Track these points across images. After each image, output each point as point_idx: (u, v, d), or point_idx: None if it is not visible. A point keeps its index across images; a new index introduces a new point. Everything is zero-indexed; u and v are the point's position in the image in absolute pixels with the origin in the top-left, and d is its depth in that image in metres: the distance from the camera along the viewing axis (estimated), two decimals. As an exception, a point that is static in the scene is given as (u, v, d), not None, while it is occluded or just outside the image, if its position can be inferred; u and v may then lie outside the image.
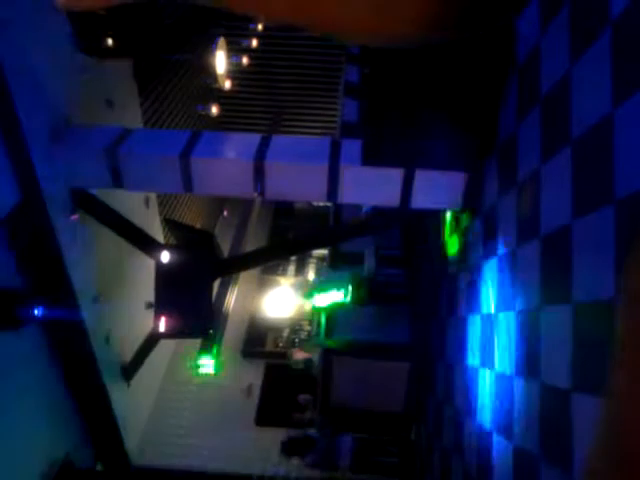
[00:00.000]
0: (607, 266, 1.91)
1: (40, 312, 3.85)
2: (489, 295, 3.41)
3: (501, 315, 3.15)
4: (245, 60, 6.33)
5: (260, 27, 6.89)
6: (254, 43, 6.92)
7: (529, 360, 2.68)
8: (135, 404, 5.93)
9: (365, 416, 5.75)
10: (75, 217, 4.22)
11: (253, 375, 7.41)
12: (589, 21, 2.20)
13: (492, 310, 3.32)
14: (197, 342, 5.39)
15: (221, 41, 5.21)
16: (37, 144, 3.68)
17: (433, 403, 4.86)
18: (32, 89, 3.64)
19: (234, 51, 5.94)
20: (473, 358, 3.66)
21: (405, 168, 3.62)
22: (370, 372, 5.35)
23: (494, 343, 3.25)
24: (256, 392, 7.21)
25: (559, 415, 2.29)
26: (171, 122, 6.50)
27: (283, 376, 7.18)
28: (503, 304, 3.14)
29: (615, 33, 1.98)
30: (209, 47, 5.17)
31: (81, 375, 4.75)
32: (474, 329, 3.69)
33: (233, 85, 6.30)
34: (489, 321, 3.37)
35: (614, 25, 1.98)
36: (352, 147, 3.74)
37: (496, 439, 3.10)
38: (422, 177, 3.64)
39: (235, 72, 6.53)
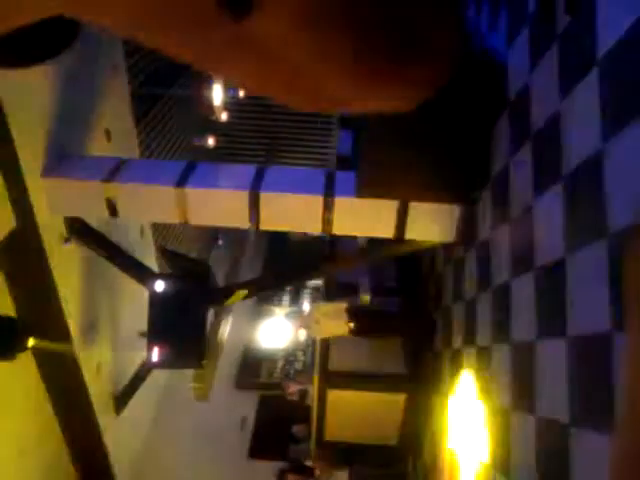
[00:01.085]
0: (602, 299, 1.92)
1: (32, 341, 3.81)
2: (483, 328, 3.40)
3: (496, 347, 3.14)
4: (242, 93, 6.42)
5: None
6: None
7: (524, 393, 2.66)
8: (126, 436, 5.83)
9: (360, 448, 5.66)
10: (69, 246, 4.22)
11: (247, 407, 7.30)
12: (577, 59, 2.25)
13: (487, 343, 3.31)
14: (190, 373, 5.32)
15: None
16: (33, 173, 3.70)
17: (429, 435, 4.79)
18: (29, 120, 3.68)
19: (231, 84, 6.03)
20: (469, 391, 3.63)
21: (399, 200, 3.65)
22: (365, 404, 5.29)
23: (489, 376, 3.23)
24: (250, 424, 7.10)
25: (557, 450, 2.26)
26: (167, 153, 6.55)
27: (277, 407, 7.08)
28: (498, 337, 3.13)
29: (602, 71, 2.03)
30: (206, 80, 5.24)
31: (71, 405, 4.68)
32: (469, 361, 3.67)
33: (230, 117, 6.37)
34: (484, 354, 3.35)
35: (601, 64, 2.03)
36: (347, 179, 3.77)
37: (493, 473, 3.05)
38: (416, 209, 3.67)
39: (232, 104, 6.62)
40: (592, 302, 2.02)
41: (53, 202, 3.91)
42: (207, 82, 5.33)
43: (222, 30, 0.34)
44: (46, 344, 4.09)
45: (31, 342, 3.82)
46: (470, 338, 3.68)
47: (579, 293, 2.17)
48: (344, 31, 0.33)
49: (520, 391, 2.74)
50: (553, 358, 2.34)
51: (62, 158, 4.02)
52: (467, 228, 3.70)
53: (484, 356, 3.34)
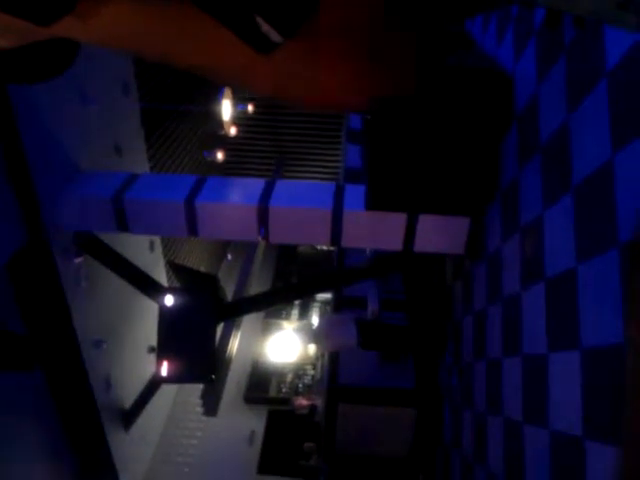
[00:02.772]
0: (614, 310, 1.91)
1: (43, 355, 3.83)
2: (494, 340, 3.38)
3: (507, 360, 3.12)
4: (250, 108, 6.48)
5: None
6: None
7: (537, 406, 2.64)
8: (135, 451, 5.81)
9: (371, 464, 5.61)
10: (79, 260, 4.25)
11: (256, 421, 7.26)
12: (586, 71, 2.26)
13: (498, 355, 3.28)
14: (199, 387, 5.32)
15: (227, 90, 5.35)
16: (45, 188, 3.75)
17: (441, 449, 4.74)
18: (42, 136, 3.73)
19: (239, 99, 6.10)
20: (480, 404, 3.60)
21: (408, 213, 3.65)
22: (375, 418, 5.25)
23: (500, 388, 3.20)
24: (259, 439, 7.05)
25: (570, 464, 2.23)
26: (177, 167, 6.61)
27: (286, 423, 7.03)
28: (509, 349, 3.11)
29: (611, 83, 2.03)
30: (215, 96, 5.30)
31: (80, 420, 4.68)
32: (480, 374, 3.64)
33: (238, 131, 6.43)
34: (495, 366, 3.33)
35: (610, 75, 2.04)
36: (355, 192, 3.78)
37: (505, 490, 3.02)
38: (425, 222, 3.67)
39: (241, 119, 6.68)
40: (604, 313, 2.01)
41: (64, 217, 3.94)
42: (216, 98, 5.38)
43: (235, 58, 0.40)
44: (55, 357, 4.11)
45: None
46: (480, 351, 3.65)
47: (591, 304, 2.16)
48: (349, 58, 0.41)
49: (532, 404, 2.71)
50: (566, 371, 2.32)
51: (73, 173, 4.06)
52: (476, 240, 3.70)
53: (495, 369, 3.32)
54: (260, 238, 3.93)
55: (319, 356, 7.77)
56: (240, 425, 7.09)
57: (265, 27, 0.35)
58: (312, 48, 0.39)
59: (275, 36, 0.36)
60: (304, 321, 9.01)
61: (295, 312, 9.25)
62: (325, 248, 8.94)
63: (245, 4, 0.35)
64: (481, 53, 3.76)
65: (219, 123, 5.49)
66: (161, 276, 6.22)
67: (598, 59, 2.12)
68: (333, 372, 5.32)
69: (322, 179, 8.63)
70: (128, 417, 5.25)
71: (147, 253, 5.82)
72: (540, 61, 2.79)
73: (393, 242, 3.79)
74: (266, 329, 8.67)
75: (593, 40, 2.16)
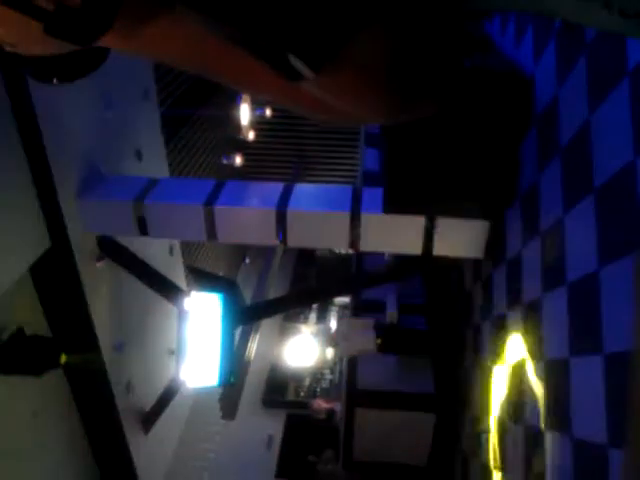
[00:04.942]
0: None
1: (63, 359, 3.88)
2: (515, 345, 3.33)
3: (528, 365, 3.07)
4: (268, 112, 6.51)
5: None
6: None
7: (559, 412, 2.59)
8: (155, 454, 5.84)
9: (389, 471, 5.57)
10: (100, 264, 4.30)
11: (273, 425, 7.26)
12: (607, 70, 2.23)
13: (518, 360, 3.24)
14: (217, 391, 5.34)
15: (245, 95, 5.38)
16: (66, 193, 3.80)
17: (459, 456, 4.69)
18: (64, 139, 3.79)
19: (258, 104, 6.12)
20: (500, 410, 3.56)
21: (426, 216, 3.63)
22: (394, 424, 5.21)
23: (522, 394, 3.16)
24: (277, 443, 7.05)
25: (593, 470, 2.19)
26: (196, 172, 6.66)
27: (304, 427, 7.02)
28: (530, 354, 3.07)
29: (634, 81, 2.00)
30: (234, 101, 5.34)
31: (100, 424, 4.72)
32: (500, 379, 3.59)
33: (257, 136, 6.46)
34: (516, 371, 3.28)
35: (632, 75, 2.00)
36: (373, 195, 3.77)
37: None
38: (444, 225, 3.64)
39: (259, 123, 6.71)
40: (625, 317, 1.97)
41: (85, 221, 4.00)
42: (235, 102, 5.42)
43: (273, 81, 0.43)
44: (77, 359, 4.16)
45: (63, 359, 3.88)
46: (501, 356, 3.61)
47: (613, 308, 2.12)
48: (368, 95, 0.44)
49: (555, 410, 2.67)
50: (589, 375, 2.28)
51: (95, 178, 4.12)
52: (496, 244, 3.66)
53: (516, 374, 3.27)
54: (279, 242, 3.93)
55: (337, 360, 7.76)
56: (258, 429, 7.10)
57: (295, 62, 0.38)
58: (339, 82, 0.42)
59: (304, 70, 0.38)
60: (322, 325, 9.01)
61: (313, 316, 9.24)
62: (343, 252, 8.93)
63: (277, 41, 0.37)
64: (500, 55, 3.73)
65: (237, 127, 5.52)
66: (180, 280, 6.27)
67: (619, 58, 2.08)
68: (352, 376, 5.30)
69: (340, 182, 8.63)
70: (147, 420, 5.29)
71: (167, 257, 5.87)
72: (560, 61, 2.75)
73: (412, 246, 3.77)
74: (284, 333, 8.68)
75: (614, 39, 2.13)
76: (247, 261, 9.56)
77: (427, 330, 5.69)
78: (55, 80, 0.52)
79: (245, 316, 4.76)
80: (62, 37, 0.39)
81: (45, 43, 0.42)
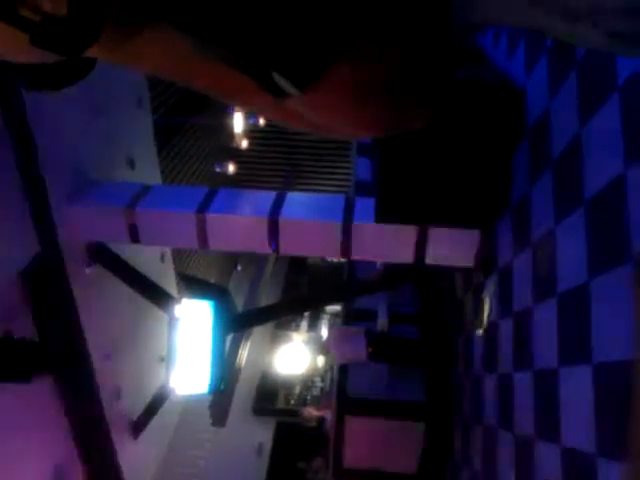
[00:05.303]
0: (626, 325, 1.89)
1: (51, 365, 3.85)
2: (505, 354, 3.35)
3: (518, 374, 3.09)
4: (262, 121, 6.53)
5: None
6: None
7: (548, 422, 2.61)
8: (143, 460, 5.80)
9: (379, 479, 5.56)
10: (90, 269, 4.28)
11: (264, 433, 7.24)
12: (597, 85, 2.26)
13: (508, 369, 3.26)
14: (208, 398, 5.31)
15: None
16: (58, 199, 3.79)
17: (450, 465, 4.69)
18: (55, 146, 3.78)
19: (251, 112, 6.14)
20: (491, 418, 3.57)
21: (418, 226, 3.65)
22: (384, 432, 5.21)
23: (512, 403, 3.17)
24: (267, 450, 7.02)
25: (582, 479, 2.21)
26: (189, 180, 6.66)
27: (295, 435, 7.00)
28: (520, 363, 3.09)
29: (623, 96, 2.04)
30: (227, 109, 5.35)
31: (88, 428, 4.68)
32: (490, 389, 3.61)
33: (250, 144, 6.47)
34: (505, 381, 3.30)
35: (622, 90, 2.04)
36: (366, 205, 3.79)
37: (516, 506, 2.98)
38: (435, 235, 3.67)
39: (252, 132, 6.73)
40: (616, 328, 1.99)
41: (76, 227, 3.98)
42: (228, 111, 5.43)
43: (260, 96, 0.42)
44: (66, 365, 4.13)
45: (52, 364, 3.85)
46: (491, 365, 3.63)
47: (603, 319, 2.14)
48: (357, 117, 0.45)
49: (544, 419, 2.69)
50: (578, 385, 2.30)
51: (86, 184, 4.11)
52: (487, 254, 3.68)
53: (506, 383, 3.29)
54: (271, 250, 3.94)
55: (328, 368, 7.75)
56: (248, 436, 7.07)
57: (280, 80, 0.38)
58: (324, 99, 0.41)
59: (289, 88, 0.38)
60: (313, 333, 9.00)
61: (304, 324, 9.24)
62: (335, 260, 8.94)
63: (260, 59, 0.37)
64: (492, 67, 3.77)
65: (230, 136, 5.53)
66: (171, 287, 6.25)
67: (610, 73, 2.12)
68: (342, 384, 5.30)
69: (332, 192, 8.66)
70: (136, 426, 5.25)
71: (158, 264, 5.85)
72: (551, 75, 2.79)
73: (403, 255, 3.79)
74: (275, 340, 8.66)
75: (604, 55, 2.17)
76: (239, 268, 9.54)
77: (418, 339, 5.70)
78: (42, 88, 0.52)
79: (236, 323, 4.75)
80: (48, 48, 0.39)
81: (31, 53, 0.42)
